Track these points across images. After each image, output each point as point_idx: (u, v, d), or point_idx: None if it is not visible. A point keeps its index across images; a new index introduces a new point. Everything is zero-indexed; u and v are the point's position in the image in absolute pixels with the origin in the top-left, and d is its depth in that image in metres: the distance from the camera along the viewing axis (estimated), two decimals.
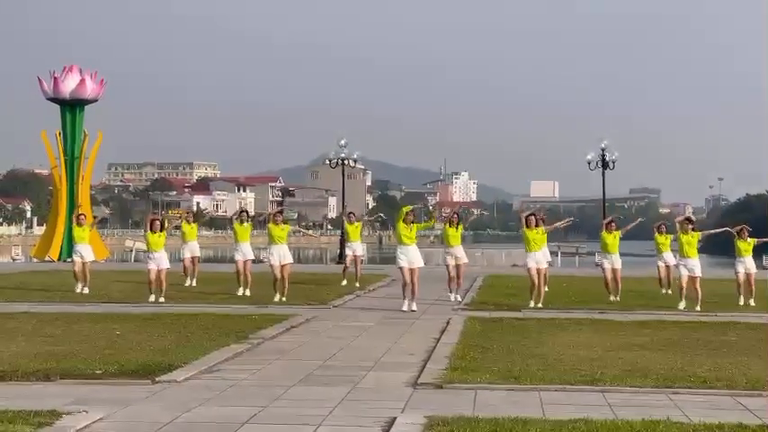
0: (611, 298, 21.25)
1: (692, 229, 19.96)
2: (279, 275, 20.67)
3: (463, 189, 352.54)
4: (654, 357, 12.00)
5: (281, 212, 22.85)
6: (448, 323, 16.11)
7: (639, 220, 25.74)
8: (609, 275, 21.76)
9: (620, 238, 22.26)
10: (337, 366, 11.58)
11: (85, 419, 8.11)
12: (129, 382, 10.09)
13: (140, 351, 12.16)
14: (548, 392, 9.61)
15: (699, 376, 10.44)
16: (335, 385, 10.14)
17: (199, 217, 32.07)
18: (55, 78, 45.94)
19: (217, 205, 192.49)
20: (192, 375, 10.54)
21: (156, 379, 10.19)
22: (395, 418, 8.19)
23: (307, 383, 10.33)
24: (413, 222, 19.40)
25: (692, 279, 19.62)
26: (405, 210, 19.79)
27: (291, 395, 9.62)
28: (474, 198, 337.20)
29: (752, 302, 20.58)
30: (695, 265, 19.69)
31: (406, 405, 9.04)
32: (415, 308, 18.81)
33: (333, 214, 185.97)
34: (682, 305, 19.33)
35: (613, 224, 22.24)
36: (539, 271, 19.82)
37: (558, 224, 22.78)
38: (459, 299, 21.10)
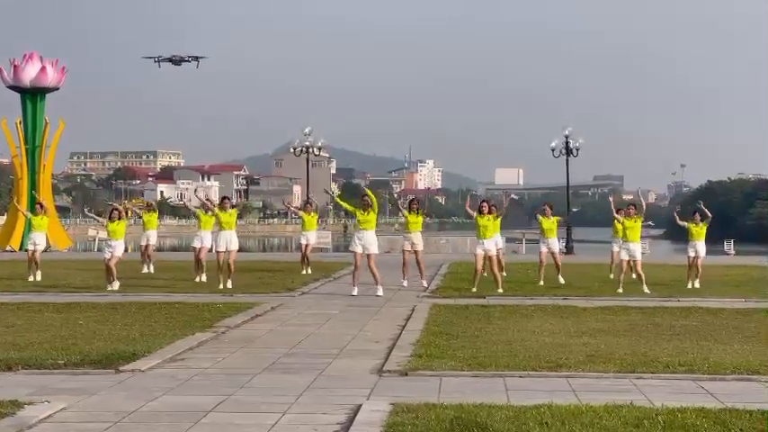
0: (540, 283, 21.63)
1: (636, 214, 20.58)
2: (222, 261, 20.46)
3: (428, 177, 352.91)
4: (617, 342, 12.11)
5: (228, 198, 22.63)
6: (413, 310, 16.15)
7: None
8: (544, 259, 22.27)
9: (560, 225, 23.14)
10: (303, 354, 11.56)
11: (48, 409, 8.04)
12: (92, 371, 10.02)
13: (104, 340, 12.07)
14: (512, 378, 9.66)
15: (661, 361, 10.54)
16: (301, 373, 10.13)
17: (154, 209, 32.34)
18: (15, 66, 45.36)
19: (181, 194, 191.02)
20: (156, 364, 10.48)
21: (120, 368, 10.12)
22: (360, 406, 8.19)
23: (272, 371, 10.31)
24: (370, 206, 19.21)
25: (633, 263, 20.22)
26: (357, 212, 19.39)
27: (257, 383, 9.60)
28: (439, 185, 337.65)
29: (697, 284, 21.06)
30: (636, 249, 20.32)
31: (372, 392, 9.05)
32: (380, 292, 18.79)
33: (297, 202, 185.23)
34: (620, 290, 19.48)
35: (549, 210, 22.96)
36: (490, 258, 19.96)
37: (503, 210, 22.07)
38: (426, 284, 21.13)
